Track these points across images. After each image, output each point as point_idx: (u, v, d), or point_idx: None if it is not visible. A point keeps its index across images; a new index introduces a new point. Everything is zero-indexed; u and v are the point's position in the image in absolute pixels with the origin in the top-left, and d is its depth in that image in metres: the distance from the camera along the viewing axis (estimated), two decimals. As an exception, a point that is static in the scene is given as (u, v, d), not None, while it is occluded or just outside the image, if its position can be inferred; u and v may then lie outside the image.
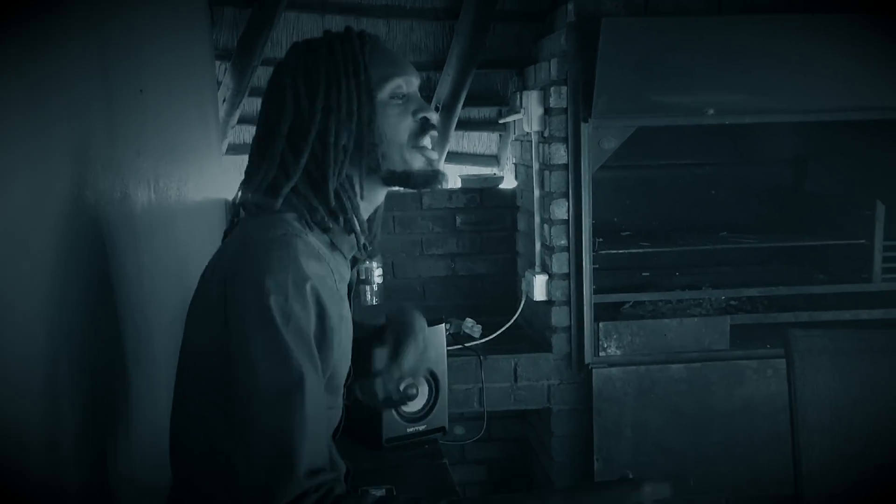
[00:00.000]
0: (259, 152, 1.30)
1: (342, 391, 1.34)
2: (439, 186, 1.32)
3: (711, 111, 2.79)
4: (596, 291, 2.89)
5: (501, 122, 3.43)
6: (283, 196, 1.24)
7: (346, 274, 1.33)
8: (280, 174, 1.26)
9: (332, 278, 1.22)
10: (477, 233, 3.41)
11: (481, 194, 3.39)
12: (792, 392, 2.11)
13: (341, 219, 1.28)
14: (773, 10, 2.78)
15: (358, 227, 1.29)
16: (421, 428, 2.08)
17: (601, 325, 2.90)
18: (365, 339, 1.49)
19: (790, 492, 2.16)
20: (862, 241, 3.01)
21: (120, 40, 1.52)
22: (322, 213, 1.26)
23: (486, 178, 3.46)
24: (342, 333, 1.24)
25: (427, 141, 1.31)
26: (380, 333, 1.50)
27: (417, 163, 1.30)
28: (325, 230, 1.27)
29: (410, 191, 1.97)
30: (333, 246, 1.29)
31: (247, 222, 1.29)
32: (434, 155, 1.33)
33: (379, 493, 1.75)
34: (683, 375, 2.93)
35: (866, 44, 2.73)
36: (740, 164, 3.39)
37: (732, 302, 3.12)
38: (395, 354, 1.45)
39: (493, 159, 3.62)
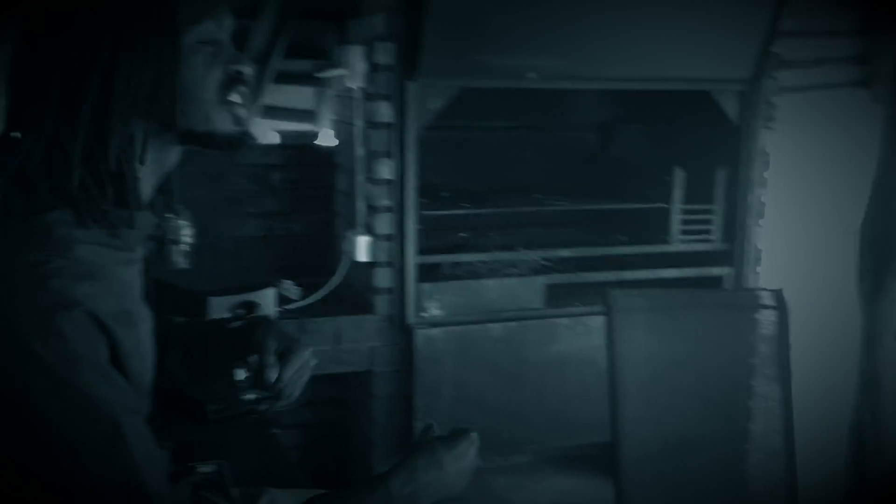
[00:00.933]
0: (15, 119, 1.05)
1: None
2: (245, 149, 1.15)
3: (533, 75, 2.84)
4: (418, 253, 2.89)
5: (320, 76, 3.30)
6: (53, 187, 1.01)
7: (137, 259, 1.13)
8: (49, 149, 1.01)
9: (115, 288, 1.03)
10: (293, 191, 3.29)
11: (299, 151, 3.26)
12: (611, 347, 2.22)
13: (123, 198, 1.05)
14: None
15: (135, 201, 1.06)
16: (250, 397, 1.98)
17: (423, 286, 2.90)
18: (218, 343, 1.35)
19: (602, 440, 2.29)
20: (662, 205, 3.21)
21: None
22: (102, 203, 1.03)
23: (303, 135, 3.33)
24: (139, 349, 1.06)
25: (237, 97, 1.13)
26: (239, 338, 1.33)
27: (223, 122, 1.12)
28: (108, 225, 1.04)
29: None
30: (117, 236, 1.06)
31: None
32: (244, 113, 1.15)
33: (208, 469, 1.66)
34: (502, 334, 3.00)
35: (676, 15, 2.89)
36: (555, 129, 3.49)
37: (546, 262, 3.23)
38: (270, 372, 1.28)
39: (311, 115, 3.49)
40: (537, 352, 3.05)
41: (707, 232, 3.25)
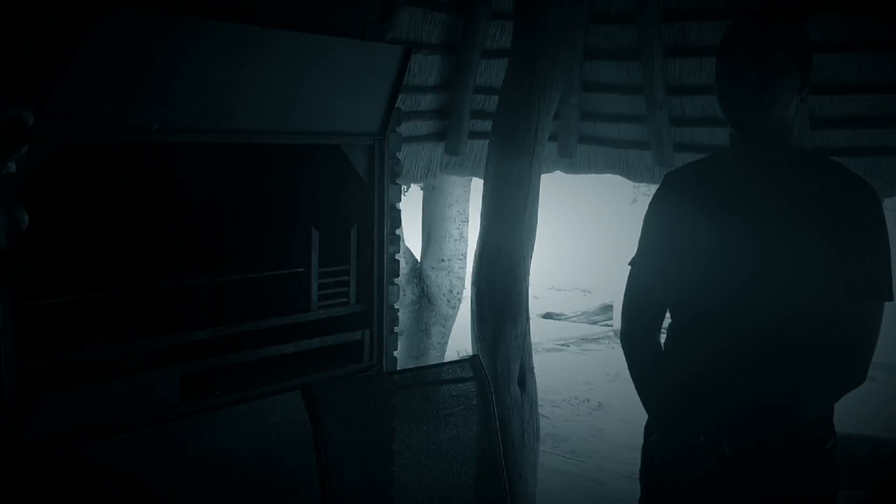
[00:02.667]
0: None
1: None
2: None
3: (157, 126, 2.35)
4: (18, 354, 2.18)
5: None
6: None
7: None
8: None
9: None
10: None
11: None
12: (320, 443, 1.87)
13: None
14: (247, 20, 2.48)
15: None
16: None
17: (25, 398, 2.19)
18: None
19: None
20: (300, 270, 2.92)
21: None
22: None
23: None
24: None
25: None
26: None
27: None
28: None
29: None
30: None
31: None
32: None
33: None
34: (134, 445, 2.41)
35: (305, 68, 2.64)
36: (166, 185, 2.99)
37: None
38: None
39: None
40: (180, 458, 2.52)
41: (345, 295, 3.03)
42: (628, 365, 1.90)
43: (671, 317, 1.92)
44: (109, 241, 2.86)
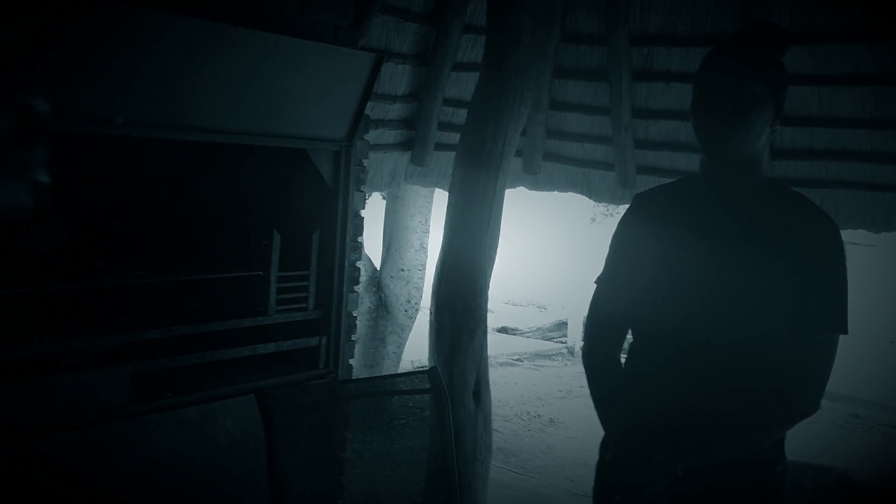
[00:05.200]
0: None
1: None
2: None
3: (120, 120, 2.31)
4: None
5: None
6: None
7: None
8: None
9: None
10: None
11: None
12: (272, 450, 1.84)
13: None
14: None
15: None
16: None
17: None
18: None
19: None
20: (259, 273, 2.88)
21: None
22: None
23: None
24: None
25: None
26: None
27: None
28: None
29: None
30: None
31: None
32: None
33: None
34: (79, 444, 2.35)
35: (275, 69, 2.61)
36: (128, 179, 2.93)
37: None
38: None
39: None
40: (125, 459, 2.46)
41: (303, 300, 3.00)
42: (588, 381, 1.91)
43: (632, 336, 1.93)
44: (64, 233, 2.79)
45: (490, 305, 3.55)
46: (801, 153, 3.83)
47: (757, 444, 1.77)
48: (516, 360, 9.07)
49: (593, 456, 1.94)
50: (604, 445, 1.89)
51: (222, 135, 2.66)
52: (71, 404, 2.36)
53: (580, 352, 1.95)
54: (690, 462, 1.71)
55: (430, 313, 3.55)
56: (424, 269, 5.81)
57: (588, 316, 1.93)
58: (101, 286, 2.66)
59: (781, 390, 1.72)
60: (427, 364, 3.50)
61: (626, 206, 2.00)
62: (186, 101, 2.49)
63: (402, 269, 5.79)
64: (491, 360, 4.56)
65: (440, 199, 4.07)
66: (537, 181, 4.58)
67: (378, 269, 5.87)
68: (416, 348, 6.08)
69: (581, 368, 1.95)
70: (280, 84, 2.68)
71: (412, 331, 5.92)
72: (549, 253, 13.36)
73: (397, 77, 4.00)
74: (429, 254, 5.72)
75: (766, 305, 1.72)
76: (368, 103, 3.02)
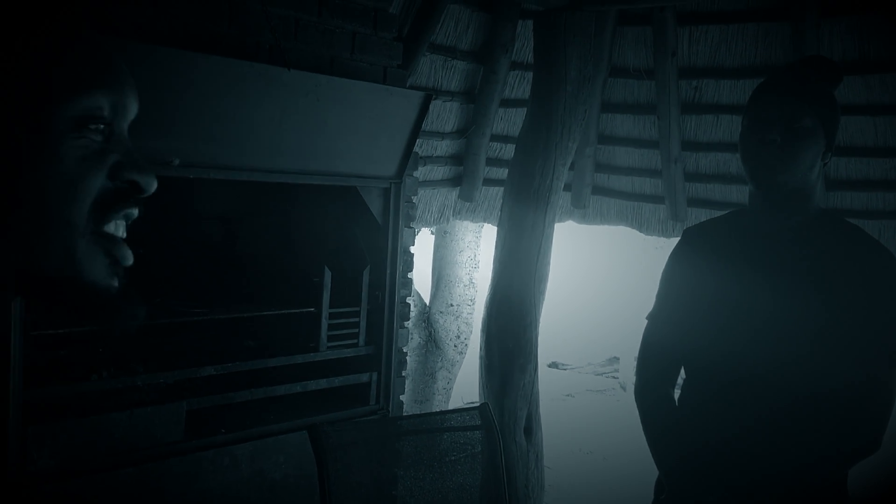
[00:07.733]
0: None
1: None
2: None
3: (178, 162, 2.38)
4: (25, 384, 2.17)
5: None
6: None
7: None
8: None
9: None
10: None
11: None
12: (325, 486, 1.85)
13: None
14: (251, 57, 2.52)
15: None
16: None
17: (30, 429, 2.18)
18: None
19: None
20: (311, 309, 2.91)
21: None
22: None
23: None
24: None
25: (119, 227, 0.69)
26: None
27: (94, 266, 0.68)
28: None
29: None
30: None
31: None
32: (126, 253, 0.70)
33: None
34: (136, 480, 2.39)
35: (326, 110, 2.67)
36: (182, 219, 3.00)
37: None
38: None
39: None
40: (180, 494, 2.49)
41: (354, 336, 3.02)
42: (641, 419, 1.88)
43: (685, 373, 1.91)
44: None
45: (540, 340, 3.54)
46: (857, 184, 3.77)
47: (817, 485, 1.73)
48: (568, 395, 8.97)
49: (648, 494, 1.90)
50: (658, 485, 1.86)
51: (275, 174, 2.72)
52: (129, 440, 2.40)
53: (632, 388, 1.92)
54: None
55: (480, 349, 3.55)
56: (473, 303, 5.82)
57: (640, 352, 1.91)
58: (158, 324, 2.71)
59: (841, 429, 1.67)
60: (478, 400, 3.49)
61: (677, 238, 1.99)
62: (241, 142, 2.55)
63: (452, 305, 5.80)
64: (542, 396, 4.53)
65: (489, 235, 4.08)
66: (586, 215, 4.57)
67: (427, 304, 5.89)
68: (466, 384, 6.06)
69: (634, 404, 1.93)
70: (331, 123, 2.73)
71: (462, 367, 5.91)
72: (602, 287, 13.25)
73: (445, 114, 4.04)
74: (478, 289, 5.72)
75: (824, 340, 1.69)
76: (417, 140, 3.06)
